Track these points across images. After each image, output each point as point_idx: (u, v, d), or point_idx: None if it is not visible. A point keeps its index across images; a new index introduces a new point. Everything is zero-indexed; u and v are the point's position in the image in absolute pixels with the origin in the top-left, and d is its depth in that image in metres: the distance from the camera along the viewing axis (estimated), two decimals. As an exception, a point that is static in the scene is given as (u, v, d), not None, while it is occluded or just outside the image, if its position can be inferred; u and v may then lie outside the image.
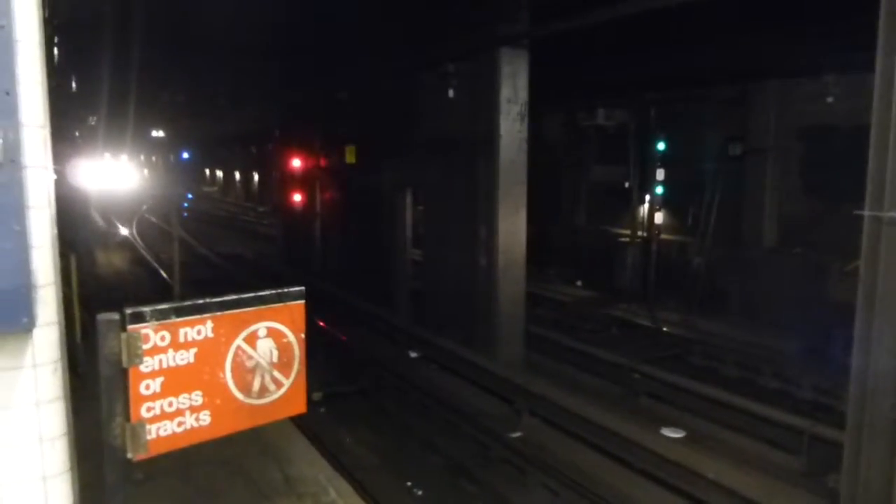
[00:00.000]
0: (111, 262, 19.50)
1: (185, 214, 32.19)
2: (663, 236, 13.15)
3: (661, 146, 12.77)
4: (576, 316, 12.53)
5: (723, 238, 12.00)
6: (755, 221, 11.73)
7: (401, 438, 7.83)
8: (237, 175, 41.93)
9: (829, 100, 10.11)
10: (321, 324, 11.41)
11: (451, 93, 10.03)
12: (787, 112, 11.19)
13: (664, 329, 11.35)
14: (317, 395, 8.28)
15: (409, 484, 6.66)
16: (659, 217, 13.04)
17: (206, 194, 46.37)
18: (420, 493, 6.54)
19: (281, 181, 18.84)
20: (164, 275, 16.50)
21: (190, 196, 41.97)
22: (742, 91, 11.68)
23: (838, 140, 9.80)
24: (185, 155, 44.18)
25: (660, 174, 12.74)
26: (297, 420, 5.19)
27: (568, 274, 14.68)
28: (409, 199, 12.23)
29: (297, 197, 17.14)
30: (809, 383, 8.55)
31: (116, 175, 22.59)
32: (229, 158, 41.00)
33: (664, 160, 12.78)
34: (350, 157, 14.08)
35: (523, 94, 9.33)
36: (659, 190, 12.90)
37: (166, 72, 14.62)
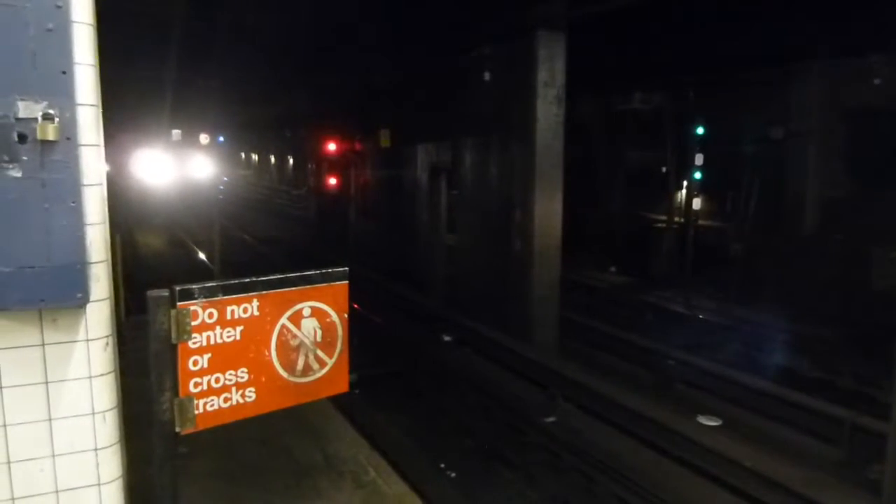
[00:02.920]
0: (149, 242, 19.89)
1: (220, 197, 32.55)
2: (701, 222, 12.97)
3: (699, 130, 12.55)
4: (610, 302, 12.45)
5: (762, 224, 11.80)
6: (796, 207, 11.49)
7: (434, 421, 7.88)
8: (272, 158, 42.26)
9: (877, 81, 9.83)
10: (356, 306, 11.51)
11: (487, 76, 9.98)
12: (830, 94, 10.91)
13: (700, 316, 11.23)
14: (352, 377, 8.35)
15: (442, 465, 6.71)
16: (696, 202, 12.85)
17: (241, 177, 46.85)
18: (453, 475, 6.58)
19: (316, 165, 18.98)
20: (203, 256, 16.78)
21: (225, 178, 42.41)
22: (784, 73, 11.41)
23: (885, 123, 9.55)
24: (221, 138, 44.62)
25: (698, 159, 12.53)
26: (335, 400, 5.25)
27: (602, 259, 14.58)
28: (443, 183, 12.23)
29: (332, 180, 17.27)
30: (850, 372, 8.40)
31: (194, 164, 21.41)
32: (264, 142, 41.30)
33: (702, 144, 12.56)
34: (384, 141, 14.11)
35: (560, 78, 9.23)
36: (697, 175, 12.70)
37: (204, 59, 14.75)
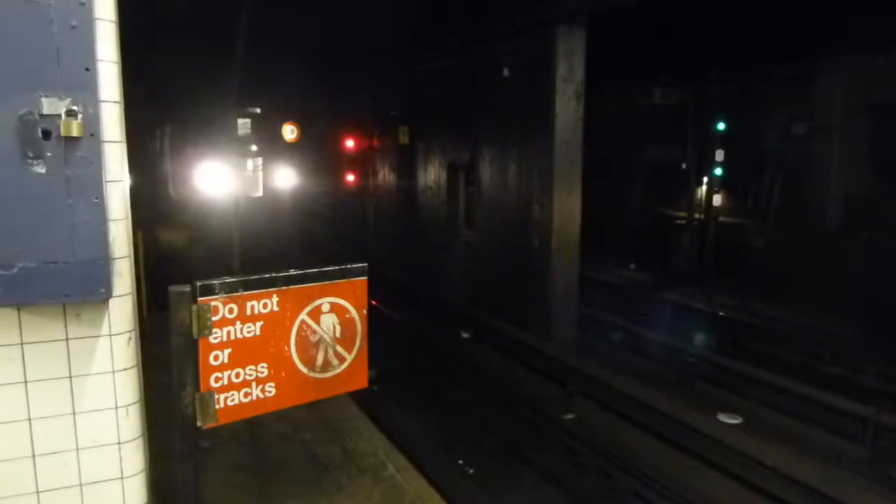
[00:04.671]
0: (170, 238, 20.03)
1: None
2: (721, 218, 12.84)
3: (720, 126, 12.42)
4: (630, 298, 12.37)
5: (784, 220, 11.65)
6: (819, 203, 11.33)
7: (453, 418, 7.88)
8: (290, 155, 42.47)
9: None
10: (374, 303, 11.53)
11: (505, 72, 9.93)
12: (855, 89, 10.74)
13: (721, 313, 11.13)
14: (371, 373, 8.37)
15: (461, 462, 6.71)
16: (717, 199, 12.73)
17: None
18: (472, 471, 6.59)
19: (333, 162, 19.00)
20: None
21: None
22: (808, 67, 11.25)
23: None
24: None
25: (719, 155, 12.40)
26: (354, 396, 5.27)
27: (621, 256, 14.48)
28: (462, 180, 12.21)
29: (350, 177, 17.29)
30: (873, 371, 8.28)
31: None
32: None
33: (724, 140, 12.43)
34: (403, 138, 14.11)
35: (580, 73, 9.17)
36: (718, 171, 12.58)
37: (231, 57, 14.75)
